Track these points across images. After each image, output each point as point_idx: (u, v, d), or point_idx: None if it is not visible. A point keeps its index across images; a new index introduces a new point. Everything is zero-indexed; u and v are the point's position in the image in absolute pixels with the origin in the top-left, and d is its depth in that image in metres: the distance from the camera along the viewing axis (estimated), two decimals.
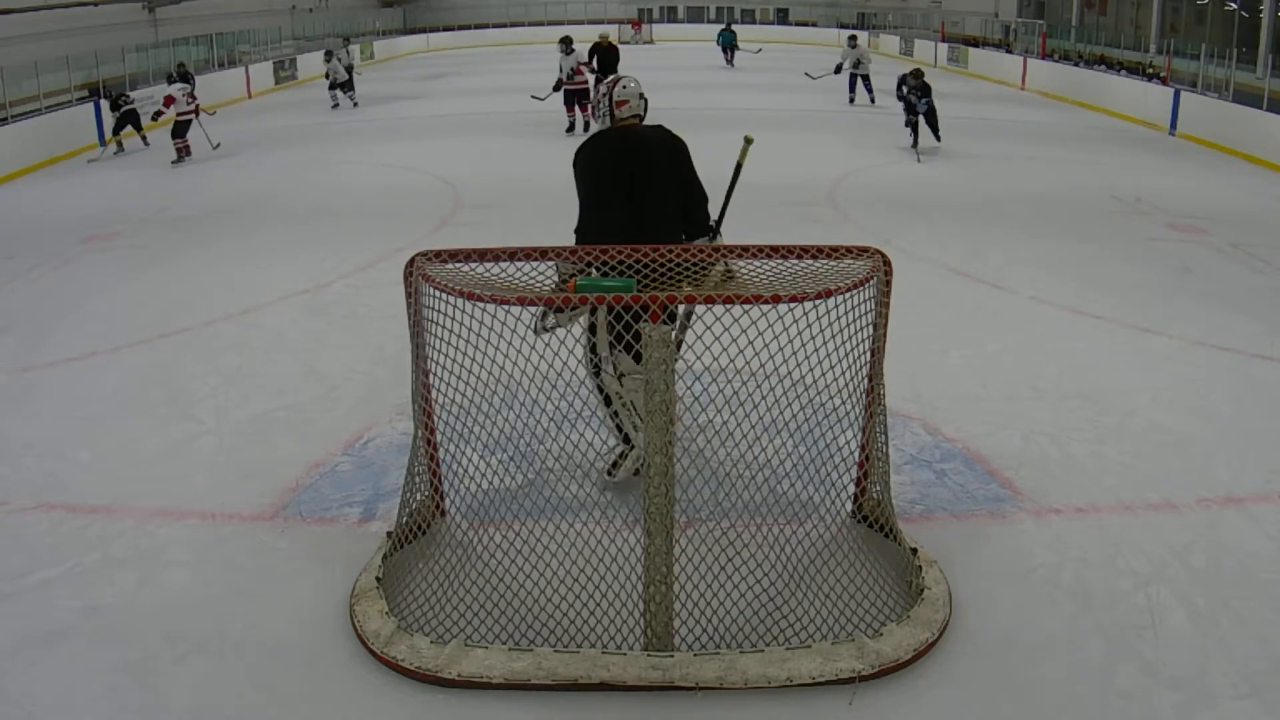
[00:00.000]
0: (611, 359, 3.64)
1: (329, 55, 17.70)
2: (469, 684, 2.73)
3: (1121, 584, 3.24)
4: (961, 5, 31.26)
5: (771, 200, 9.12)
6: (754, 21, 39.35)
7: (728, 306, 2.76)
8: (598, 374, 3.71)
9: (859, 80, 16.95)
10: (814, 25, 38.40)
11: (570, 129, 13.26)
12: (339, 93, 17.39)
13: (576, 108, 13.33)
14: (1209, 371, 5.13)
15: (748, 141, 3.96)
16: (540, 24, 38.25)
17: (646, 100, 3.92)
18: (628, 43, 34.99)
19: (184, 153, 12.13)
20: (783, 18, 39.69)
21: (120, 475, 4.04)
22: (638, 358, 3.38)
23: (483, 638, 2.91)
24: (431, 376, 3.28)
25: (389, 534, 3.37)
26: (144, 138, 13.43)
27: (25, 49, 16.68)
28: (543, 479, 3.87)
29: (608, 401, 3.74)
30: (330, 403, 4.74)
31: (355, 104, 17.39)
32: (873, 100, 16.54)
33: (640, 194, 3.70)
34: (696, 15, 39.73)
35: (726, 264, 3.25)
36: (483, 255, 3.25)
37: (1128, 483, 3.91)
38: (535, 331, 3.34)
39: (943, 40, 27.42)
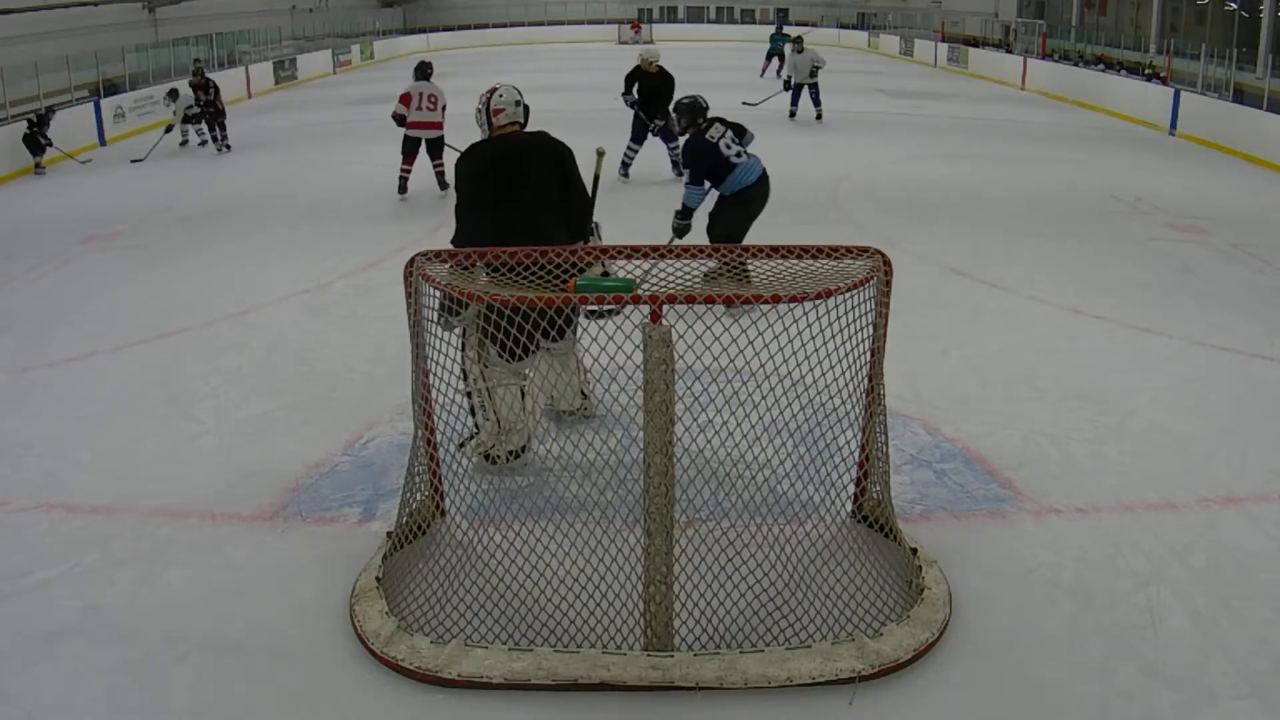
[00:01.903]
0: (478, 346, 3.73)
1: (174, 93, 13.36)
2: (469, 684, 2.73)
3: (1121, 584, 3.24)
4: (961, 5, 31.28)
5: (771, 200, 9.11)
6: (754, 21, 39.39)
7: (728, 306, 2.75)
8: (464, 349, 3.79)
9: (804, 90, 14.45)
10: (814, 25, 38.41)
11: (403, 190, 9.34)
12: (191, 127, 13.29)
13: (430, 160, 9.29)
14: (1209, 371, 5.13)
15: (600, 154, 4.12)
16: (540, 24, 38.31)
17: (527, 107, 4.05)
18: (626, 43, 35.02)
19: None
20: (783, 18, 39.70)
21: (120, 475, 4.04)
22: (511, 355, 3.44)
23: (483, 638, 2.91)
24: (431, 376, 3.28)
25: (389, 534, 3.37)
26: (39, 164, 12.12)
27: (25, 49, 16.69)
28: (543, 479, 3.87)
29: (464, 377, 3.77)
30: (330, 403, 4.74)
31: (202, 141, 13.30)
32: (819, 116, 14.45)
33: (513, 199, 3.79)
34: (696, 15, 39.78)
35: (604, 265, 3.35)
36: (482, 255, 3.25)
37: (1128, 483, 3.91)
38: (442, 326, 3.45)
39: (943, 40, 27.44)
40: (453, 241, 3.86)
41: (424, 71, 9.38)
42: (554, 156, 3.92)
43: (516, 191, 3.81)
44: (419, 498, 3.41)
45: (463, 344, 3.75)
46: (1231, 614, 3.08)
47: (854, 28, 36.58)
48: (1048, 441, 4.27)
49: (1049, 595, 3.19)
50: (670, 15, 40.10)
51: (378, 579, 3.14)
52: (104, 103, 14.11)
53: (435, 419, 3.39)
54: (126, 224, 8.79)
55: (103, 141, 13.73)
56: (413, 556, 3.33)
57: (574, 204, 3.95)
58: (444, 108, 9.21)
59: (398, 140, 9.35)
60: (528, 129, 4.07)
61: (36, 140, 12.12)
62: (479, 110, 4.01)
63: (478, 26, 36.90)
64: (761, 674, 2.71)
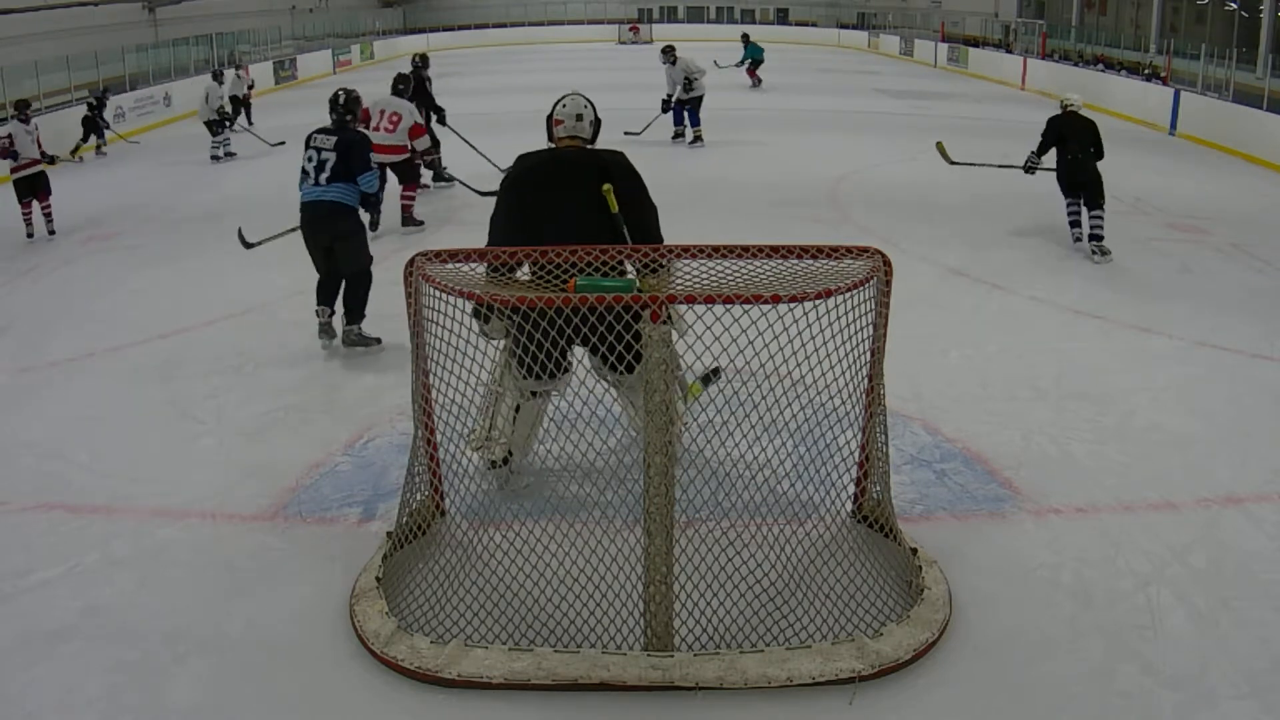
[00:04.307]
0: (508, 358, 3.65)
1: (218, 75, 12.79)
2: (469, 684, 2.73)
3: (1121, 584, 3.24)
4: (961, 5, 31.29)
5: (772, 200, 9.13)
6: (754, 21, 39.38)
7: (728, 306, 2.76)
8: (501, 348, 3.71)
9: (685, 109, 11.99)
10: (814, 25, 38.42)
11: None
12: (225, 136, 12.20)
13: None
14: (1209, 371, 5.13)
15: (607, 192, 3.65)
16: (540, 24, 38.32)
17: (597, 122, 3.78)
18: (625, 43, 35.03)
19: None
20: (783, 18, 39.72)
21: (120, 475, 4.04)
22: (526, 368, 3.39)
23: (483, 638, 2.91)
24: (431, 376, 3.28)
25: (389, 534, 3.37)
26: (100, 146, 12.87)
27: (25, 49, 16.69)
28: (543, 479, 3.87)
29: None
30: (330, 403, 4.74)
31: (220, 154, 12.08)
32: (697, 138, 12.02)
33: (545, 215, 3.56)
34: (696, 15, 39.78)
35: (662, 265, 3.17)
36: (483, 255, 3.25)
37: (1128, 483, 3.91)
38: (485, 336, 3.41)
39: (943, 40, 27.45)
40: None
41: (395, 85, 8.34)
42: (599, 174, 3.58)
43: (549, 207, 3.58)
44: (419, 498, 3.41)
45: (504, 343, 3.69)
46: (1231, 614, 3.08)
47: (854, 28, 36.58)
48: (1048, 441, 4.27)
49: (1049, 595, 3.19)
50: (670, 15, 40.09)
51: (378, 579, 3.14)
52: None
53: (435, 419, 3.38)
54: (126, 224, 8.79)
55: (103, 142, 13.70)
56: (413, 556, 3.33)
57: (629, 225, 3.58)
58: (413, 128, 7.98)
59: None
60: (596, 146, 3.78)
61: (96, 123, 12.74)
62: (547, 117, 3.83)
63: (478, 26, 36.90)
64: (761, 674, 2.71)
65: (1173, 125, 14.26)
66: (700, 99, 11.98)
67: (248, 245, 6.05)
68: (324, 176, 5.20)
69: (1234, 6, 21.44)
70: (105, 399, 4.87)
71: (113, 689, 2.78)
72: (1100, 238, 7.36)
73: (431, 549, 3.36)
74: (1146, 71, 18.36)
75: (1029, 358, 5.27)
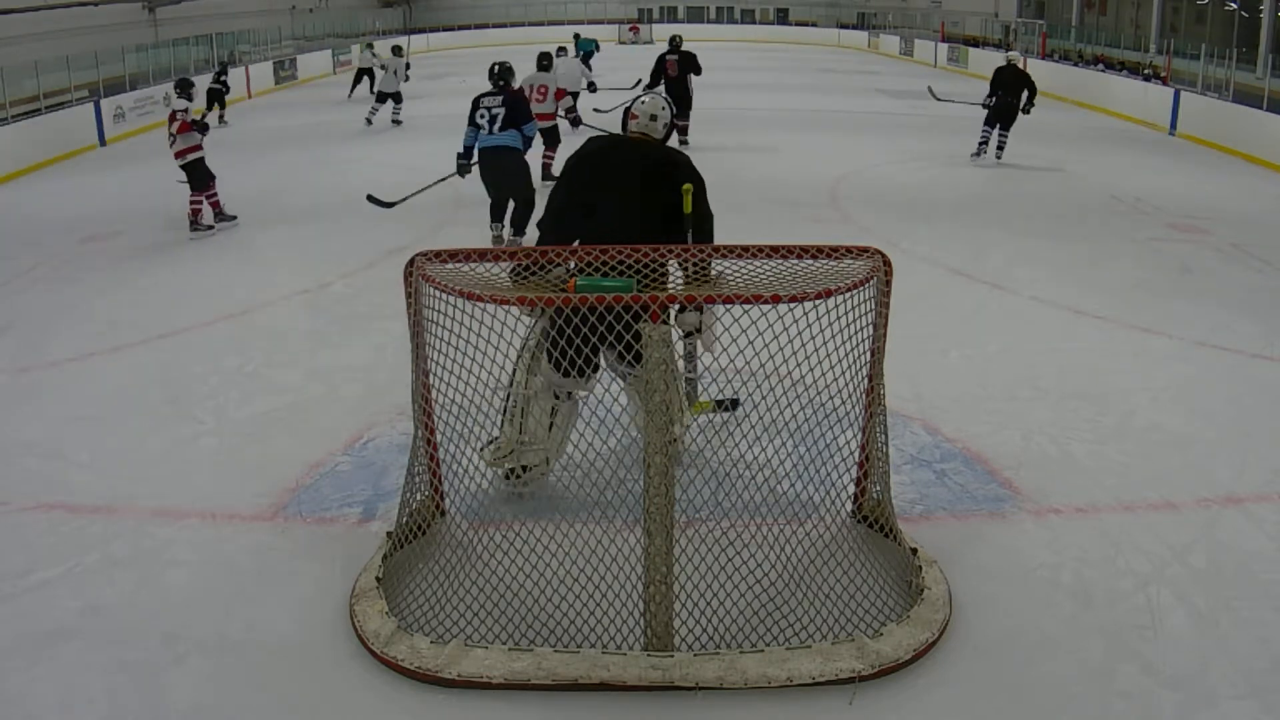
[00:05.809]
0: (534, 359, 3.63)
1: (398, 50, 15.20)
2: (469, 684, 2.73)
3: (1121, 584, 3.24)
4: (961, 5, 31.31)
5: (771, 200, 9.13)
6: (754, 21, 39.40)
7: (728, 306, 2.75)
8: (521, 350, 3.68)
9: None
10: (814, 25, 38.45)
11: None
12: (388, 104, 14.49)
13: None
14: (1209, 371, 5.13)
15: (686, 191, 3.61)
16: (540, 24, 38.31)
17: (669, 126, 3.81)
18: (626, 43, 35.03)
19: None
20: (783, 18, 39.74)
21: (120, 475, 4.04)
22: (569, 366, 3.35)
23: (483, 638, 2.91)
24: (431, 376, 3.28)
25: (389, 534, 3.37)
26: (221, 116, 14.33)
27: (25, 49, 16.69)
28: (543, 479, 3.86)
29: (511, 380, 3.65)
30: (330, 403, 4.74)
31: (372, 120, 14.43)
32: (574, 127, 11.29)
33: (594, 204, 3.57)
34: (696, 15, 39.80)
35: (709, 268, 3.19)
36: (483, 255, 3.25)
37: (1128, 483, 3.91)
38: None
39: (943, 40, 27.46)
40: (538, 226, 3.76)
41: (540, 62, 9.92)
42: (655, 171, 3.56)
43: (604, 187, 3.58)
44: (419, 498, 3.41)
45: (522, 345, 3.64)
46: (1231, 614, 3.08)
47: (854, 28, 36.59)
48: (1048, 441, 4.27)
49: (1049, 595, 3.19)
50: (670, 15, 40.10)
51: (378, 579, 3.14)
52: (104, 103, 14.10)
53: (435, 419, 3.38)
54: (126, 224, 8.78)
55: (103, 142, 13.72)
56: (413, 556, 3.33)
57: (683, 229, 3.55)
58: (559, 94, 9.75)
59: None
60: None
61: (220, 93, 13.94)
62: (625, 109, 3.88)
63: (478, 26, 36.90)
64: (761, 674, 2.71)
65: (1173, 125, 14.27)
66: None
67: (387, 205, 7.46)
68: (496, 127, 6.99)
69: (1234, 6, 21.45)
70: (105, 399, 4.86)
71: (113, 689, 2.78)
72: (1003, 147, 11.13)
73: (431, 549, 3.36)
74: (1146, 71, 18.36)
75: (1029, 358, 5.27)
